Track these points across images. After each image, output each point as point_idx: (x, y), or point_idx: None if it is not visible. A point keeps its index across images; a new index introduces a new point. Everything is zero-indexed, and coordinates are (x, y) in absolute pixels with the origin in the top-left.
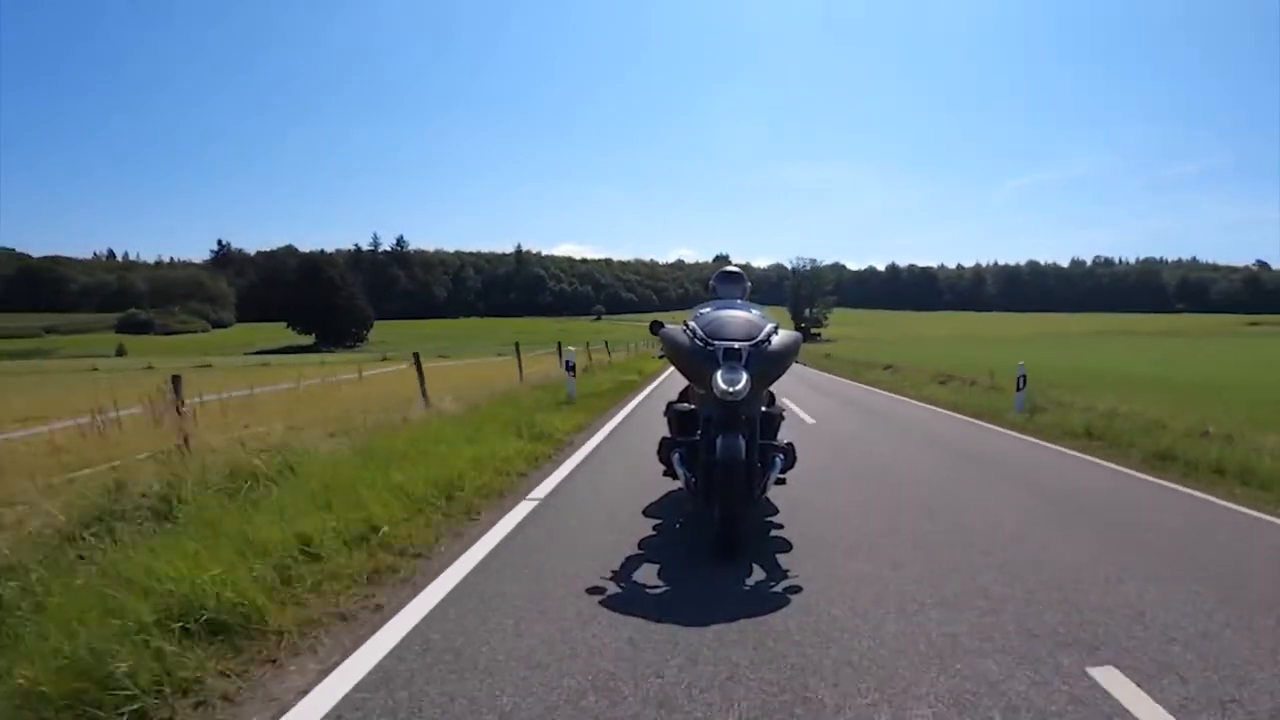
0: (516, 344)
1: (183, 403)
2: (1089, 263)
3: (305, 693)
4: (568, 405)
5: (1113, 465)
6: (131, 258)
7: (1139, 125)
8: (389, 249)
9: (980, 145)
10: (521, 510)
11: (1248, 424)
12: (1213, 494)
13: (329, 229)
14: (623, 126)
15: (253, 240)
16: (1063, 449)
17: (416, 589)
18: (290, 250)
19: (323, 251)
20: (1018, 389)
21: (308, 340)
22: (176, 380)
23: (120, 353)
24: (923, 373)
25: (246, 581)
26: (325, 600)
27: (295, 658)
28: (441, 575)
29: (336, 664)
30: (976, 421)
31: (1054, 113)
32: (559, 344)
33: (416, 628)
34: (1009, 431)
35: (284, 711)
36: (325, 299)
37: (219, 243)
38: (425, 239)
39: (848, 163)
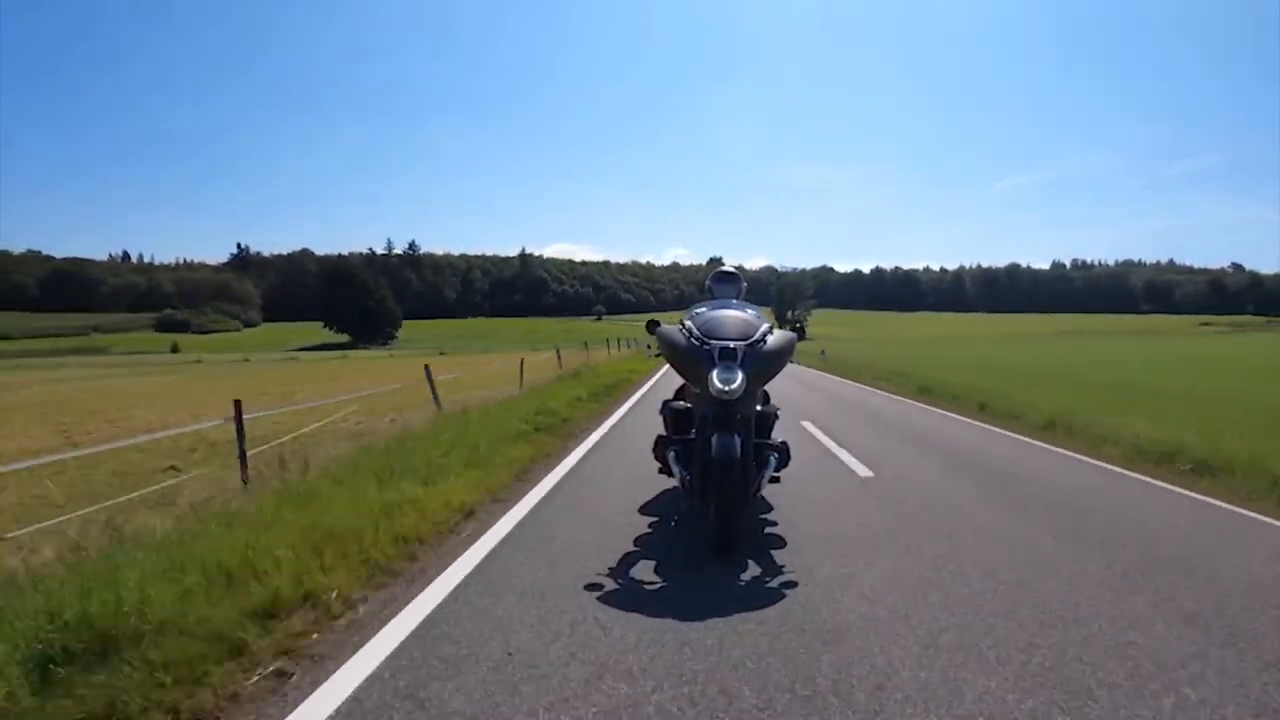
0: (608, 340)
1: (560, 357)
2: (1068, 265)
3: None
4: (649, 359)
5: (832, 375)
6: (147, 259)
7: (1138, 125)
8: (401, 252)
9: (978, 145)
10: (659, 373)
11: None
12: (857, 381)
13: (329, 229)
14: (618, 126)
15: (256, 241)
16: (819, 370)
17: (641, 386)
18: (307, 254)
19: (340, 255)
20: (821, 354)
21: (343, 338)
22: (584, 346)
23: (175, 349)
24: (811, 353)
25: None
26: (629, 369)
27: (618, 398)
28: (643, 385)
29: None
30: (801, 364)
31: (1053, 112)
32: (617, 338)
33: (644, 393)
34: (809, 368)
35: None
36: (359, 301)
37: (238, 246)
38: (421, 236)
39: (844, 163)
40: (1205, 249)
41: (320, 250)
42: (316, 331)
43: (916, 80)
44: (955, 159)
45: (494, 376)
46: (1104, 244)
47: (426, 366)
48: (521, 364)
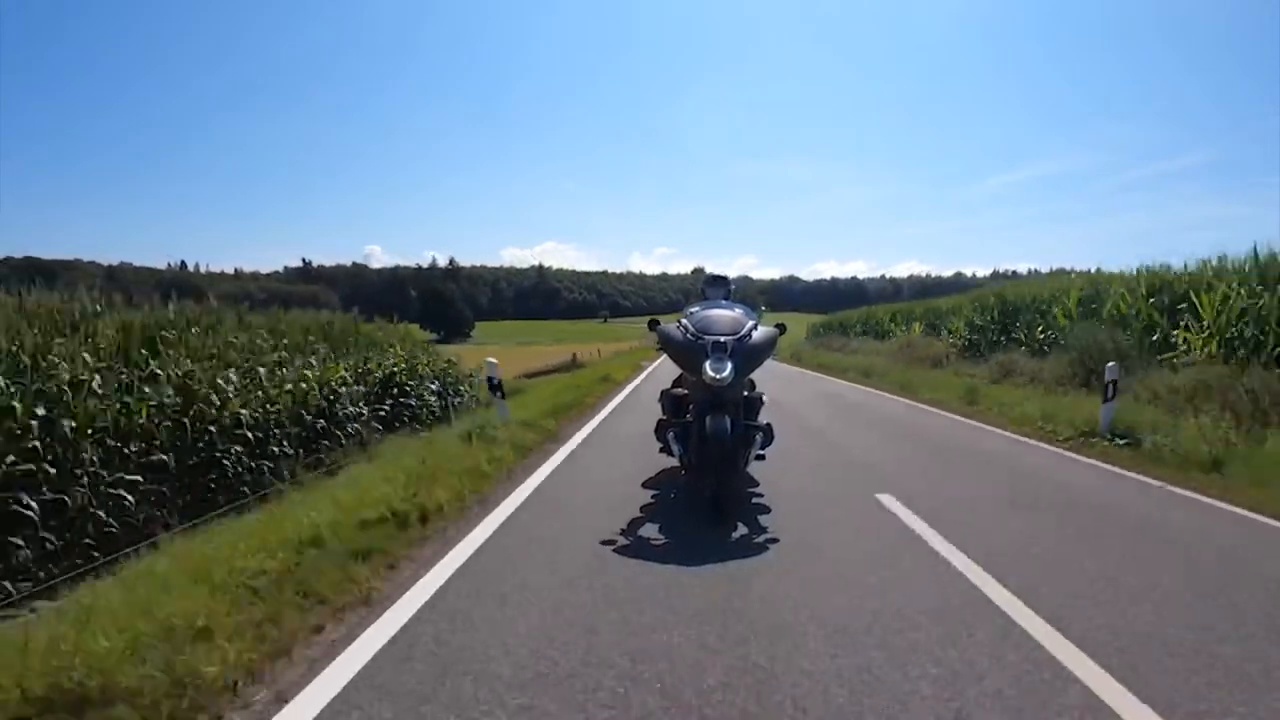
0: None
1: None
2: (1002, 273)
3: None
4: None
5: None
6: (202, 269)
7: (1127, 124)
8: (443, 267)
9: (969, 145)
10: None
11: None
12: None
13: (328, 234)
14: (605, 125)
15: (257, 249)
16: None
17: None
18: (363, 267)
19: (395, 269)
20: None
21: (431, 336)
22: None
23: None
24: None
25: None
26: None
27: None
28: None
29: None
30: None
31: (1049, 111)
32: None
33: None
34: None
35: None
36: (446, 308)
37: (303, 260)
38: (417, 234)
39: (834, 162)
40: (1185, 246)
41: (375, 265)
42: (411, 331)
43: (913, 81)
44: (947, 158)
45: (617, 344)
46: (1089, 243)
47: (640, 343)
48: (638, 344)
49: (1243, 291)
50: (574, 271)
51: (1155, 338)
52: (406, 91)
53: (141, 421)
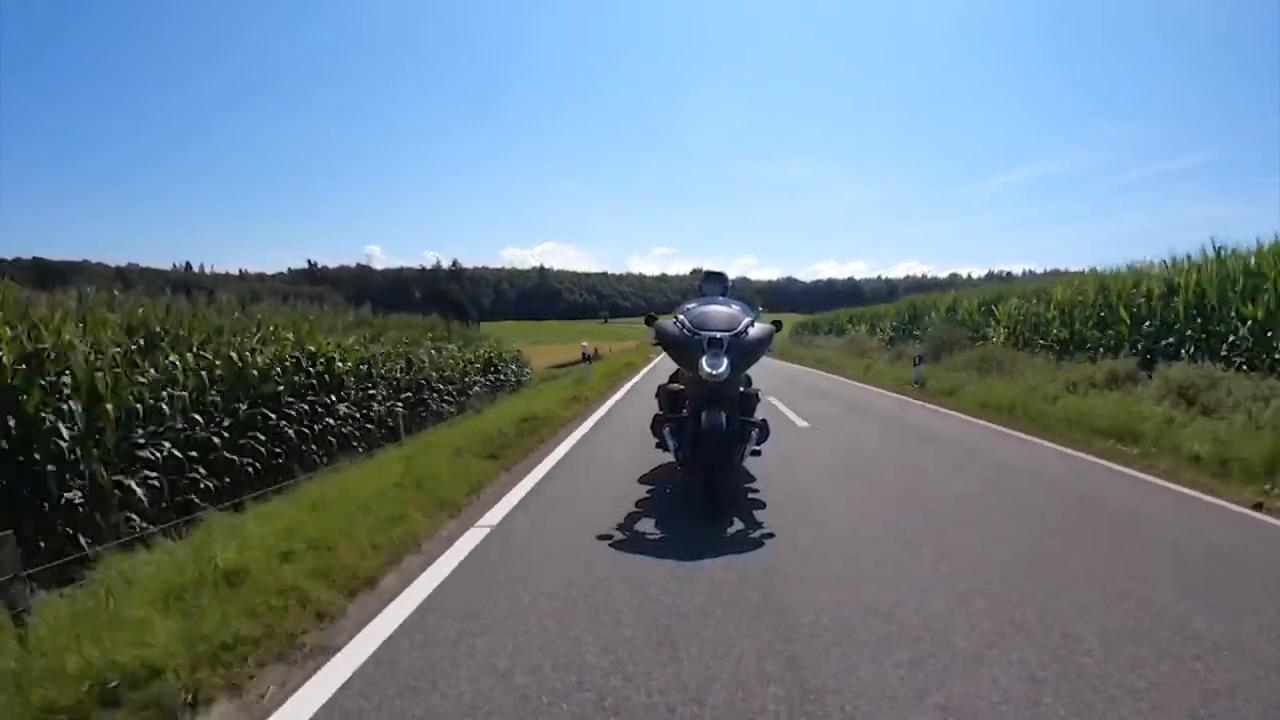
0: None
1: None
2: (999, 273)
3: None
4: None
5: None
6: (208, 269)
7: (1127, 124)
8: (447, 269)
9: (970, 145)
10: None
11: None
12: None
13: (331, 234)
14: (603, 125)
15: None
16: None
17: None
18: (367, 268)
19: (399, 270)
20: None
21: None
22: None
23: None
24: None
25: None
26: None
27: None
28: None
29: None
30: None
31: (1049, 111)
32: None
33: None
34: None
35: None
36: (453, 309)
37: (308, 262)
38: (417, 234)
39: (833, 162)
40: (1191, 246)
41: (379, 265)
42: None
43: (913, 81)
44: (947, 158)
45: (623, 343)
46: (1089, 243)
47: (642, 341)
48: (640, 343)
49: (1020, 303)
50: (574, 273)
51: (978, 332)
52: (406, 91)
53: (397, 375)
